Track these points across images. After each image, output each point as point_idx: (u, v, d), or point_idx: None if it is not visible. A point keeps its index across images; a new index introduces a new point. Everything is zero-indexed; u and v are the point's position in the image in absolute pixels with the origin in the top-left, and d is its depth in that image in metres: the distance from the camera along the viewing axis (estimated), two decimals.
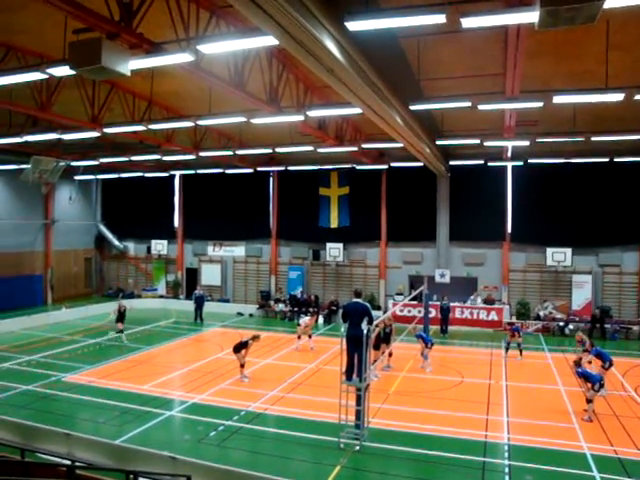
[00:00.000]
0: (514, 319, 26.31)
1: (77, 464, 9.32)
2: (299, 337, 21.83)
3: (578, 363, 14.75)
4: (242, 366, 17.03)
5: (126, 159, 26.64)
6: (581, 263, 26.57)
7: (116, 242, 36.38)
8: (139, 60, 10.07)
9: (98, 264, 37.64)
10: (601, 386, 13.90)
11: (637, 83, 13.72)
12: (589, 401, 13.72)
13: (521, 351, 20.29)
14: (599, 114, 18.20)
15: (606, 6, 6.60)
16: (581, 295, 26.29)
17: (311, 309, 28.06)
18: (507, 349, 20.65)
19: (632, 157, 23.87)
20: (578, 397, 14.99)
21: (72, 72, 9.67)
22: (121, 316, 22.48)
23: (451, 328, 25.63)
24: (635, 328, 24.37)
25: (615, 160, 23.91)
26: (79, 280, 36.09)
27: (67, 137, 19.93)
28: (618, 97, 12.74)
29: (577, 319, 25.59)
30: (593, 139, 19.11)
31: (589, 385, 13.78)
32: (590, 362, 16.52)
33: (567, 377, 17.59)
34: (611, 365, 15.63)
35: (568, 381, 17.10)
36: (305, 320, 22.29)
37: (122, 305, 22.78)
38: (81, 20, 8.77)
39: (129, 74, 9.31)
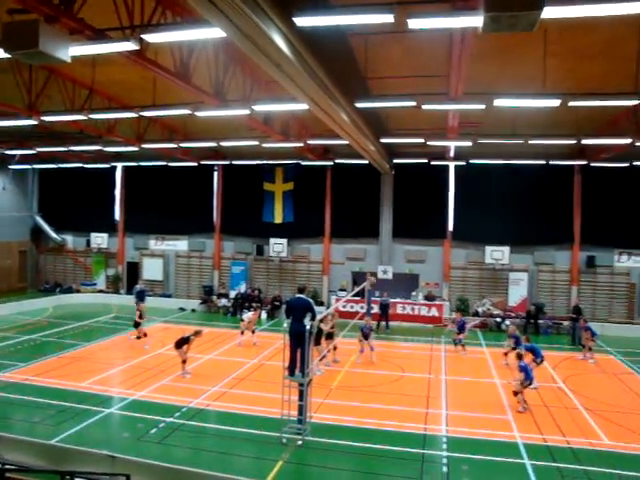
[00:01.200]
0: (453, 315, 27.04)
1: (7, 467, 8.94)
2: (242, 332, 21.70)
3: (520, 356, 15.01)
4: (184, 362, 16.80)
5: (65, 149, 25.71)
6: (518, 261, 27.57)
7: (54, 235, 35.01)
8: (80, 46, 9.73)
9: (34, 257, 36.19)
10: (530, 383, 14.46)
11: (572, 90, 14.31)
12: (516, 393, 14.28)
13: (463, 346, 21.05)
14: (537, 118, 18.86)
15: (544, 15, 6.88)
16: (517, 292, 27.27)
17: (254, 304, 27.92)
18: (456, 343, 21.38)
19: (566, 161, 24.95)
20: (512, 390, 15.61)
21: (6, 55, 9.24)
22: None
23: (392, 324, 26.07)
24: (566, 323, 25.44)
25: (551, 163, 24.89)
26: (13, 274, 34.54)
27: (0, 124, 19.06)
28: (554, 103, 13.28)
29: (513, 315, 26.52)
30: (531, 142, 19.81)
31: (522, 379, 14.25)
32: (521, 356, 17.15)
33: (503, 371, 18.25)
34: (542, 361, 16.37)
35: (504, 375, 17.75)
36: (248, 315, 22.15)
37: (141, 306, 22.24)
38: (17, 0, 8.40)
39: (69, 60, 8.98)
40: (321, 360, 17.36)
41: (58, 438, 11.62)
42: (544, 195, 26.74)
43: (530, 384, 14.44)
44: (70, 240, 35.60)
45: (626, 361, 20.13)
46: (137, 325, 21.26)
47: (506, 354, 19.06)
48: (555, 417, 13.78)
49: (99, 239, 33.72)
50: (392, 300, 26.70)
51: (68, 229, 35.37)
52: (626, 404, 15.07)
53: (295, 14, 8.21)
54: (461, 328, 21.33)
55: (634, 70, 13.41)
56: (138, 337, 21.09)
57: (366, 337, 19.31)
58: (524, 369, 14.36)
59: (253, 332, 21.89)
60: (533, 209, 26.82)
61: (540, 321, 25.51)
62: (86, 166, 31.84)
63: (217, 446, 11.75)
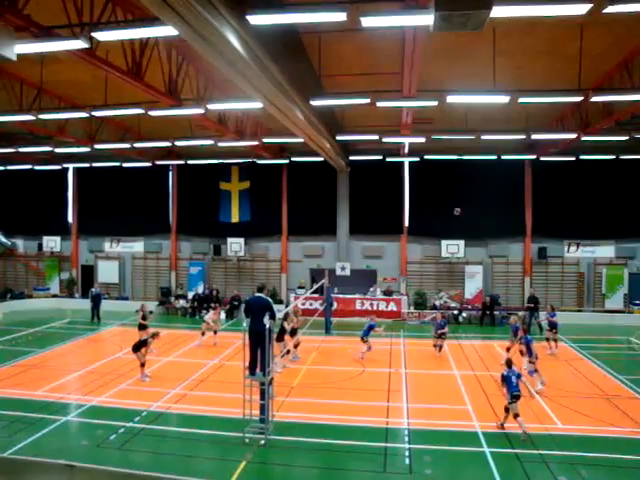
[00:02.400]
0: (412, 308, 27.49)
1: None
2: (203, 333, 21.48)
3: (509, 363, 12.81)
4: (142, 365, 16.52)
5: (13, 150, 24.87)
6: (473, 254, 28.20)
7: (3, 239, 33.82)
8: (26, 44, 9.49)
9: None
10: (514, 398, 12.09)
11: (521, 87, 14.73)
12: (507, 410, 12.36)
13: (441, 348, 19.70)
14: (488, 115, 19.33)
15: (492, 15, 7.08)
16: (473, 284, 27.91)
17: (212, 304, 27.84)
18: (440, 347, 19.68)
19: (516, 155, 25.63)
20: (470, 380, 16.05)
21: None
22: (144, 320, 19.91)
23: (352, 320, 26.27)
24: (520, 314, 26.09)
25: (502, 157, 25.53)
26: None
27: None
28: (504, 99, 13.65)
29: (470, 307, 27.11)
30: (483, 137, 20.26)
31: (504, 391, 12.65)
32: (522, 353, 16.65)
33: (461, 363, 18.65)
34: (535, 359, 15.80)
35: (461, 366, 18.13)
36: (210, 316, 21.92)
37: (145, 307, 20.37)
38: None
39: (15, 58, 8.76)
40: (283, 357, 17.39)
41: (12, 450, 11.22)
42: (496, 189, 27.34)
43: (514, 398, 12.06)
44: (21, 244, 34.51)
45: (577, 347, 20.84)
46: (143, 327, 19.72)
47: (508, 349, 18.19)
48: None
49: (52, 242, 32.82)
50: (349, 296, 27.17)
51: (19, 233, 34.27)
52: (577, 389, 15.65)
53: (248, 12, 8.21)
54: (441, 328, 19.55)
55: (577, 69, 13.90)
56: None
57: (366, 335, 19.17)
58: (506, 379, 12.35)
59: (215, 332, 21.66)
60: (486, 203, 27.39)
61: (495, 312, 26.17)
62: (36, 168, 30.94)
63: (179, 449, 11.60)
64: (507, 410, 12.34)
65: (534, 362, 15.67)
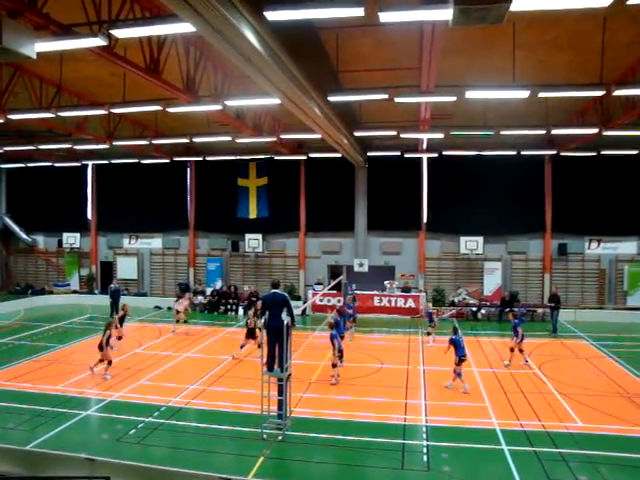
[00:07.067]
0: (430, 305, 27.30)
1: None
2: (177, 321, 23.02)
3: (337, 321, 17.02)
4: (109, 363, 16.59)
5: (34, 148, 25.17)
6: (492, 251, 27.93)
7: (24, 235, 34.24)
8: (46, 43, 9.56)
9: (3, 259, 35.44)
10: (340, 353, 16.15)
11: (541, 81, 14.52)
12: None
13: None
14: (507, 110, 19.10)
15: (512, 8, 6.96)
16: (492, 281, 27.66)
17: (231, 300, 28.22)
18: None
19: (536, 151, 25.34)
20: (489, 378, 15.90)
21: None
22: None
23: (370, 316, 26.23)
24: (539, 310, 25.91)
25: (522, 153, 25.25)
26: None
27: None
28: (524, 94, 13.47)
29: (488, 304, 26.87)
30: (502, 133, 20.05)
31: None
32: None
33: (479, 360, 18.48)
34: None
35: (480, 363, 17.98)
36: (181, 302, 23.37)
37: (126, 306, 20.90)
38: None
39: (35, 57, 8.81)
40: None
41: (34, 443, 11.40)
42: (516, 185, 27.07)
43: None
44: (41, 240, 34.91)
45: (597, 345, 20.58)
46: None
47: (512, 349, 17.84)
48: (531, 402, 14.03)
49: (71, 239, 33.17)
50: (367, 292, 27.23)
51: (39, 229, 34.65)
52: (598, 387, 15.44)
53: (266, 8, 8.18)
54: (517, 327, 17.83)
55: (599, 62, 13.66)
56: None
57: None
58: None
59: (185, 322, 23.17)
60: (505, 199, 27.14)
61: (514, 309, 25.87)
62: (56, 165, 31.29)
63: (197, 444, 11.69)
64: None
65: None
